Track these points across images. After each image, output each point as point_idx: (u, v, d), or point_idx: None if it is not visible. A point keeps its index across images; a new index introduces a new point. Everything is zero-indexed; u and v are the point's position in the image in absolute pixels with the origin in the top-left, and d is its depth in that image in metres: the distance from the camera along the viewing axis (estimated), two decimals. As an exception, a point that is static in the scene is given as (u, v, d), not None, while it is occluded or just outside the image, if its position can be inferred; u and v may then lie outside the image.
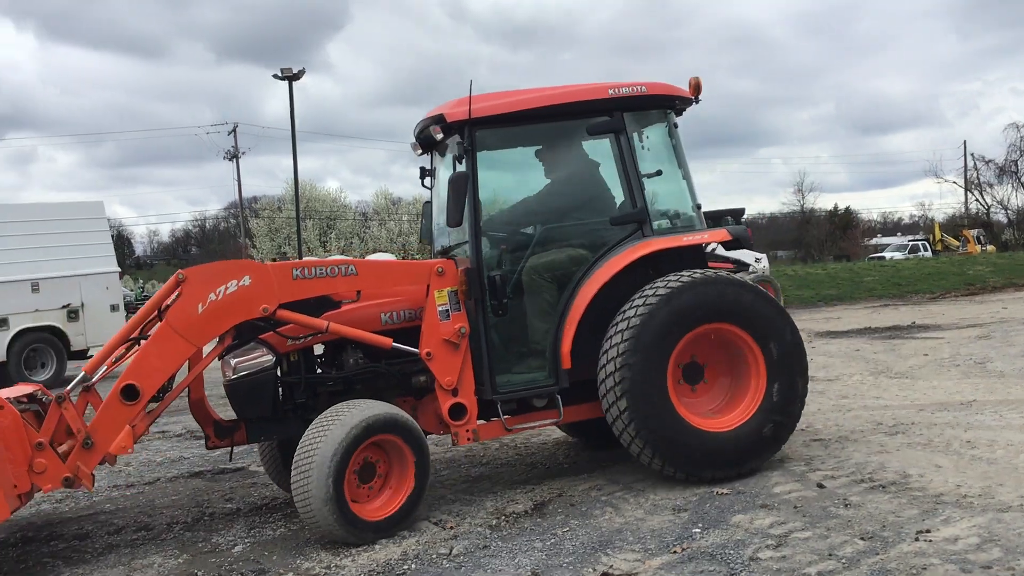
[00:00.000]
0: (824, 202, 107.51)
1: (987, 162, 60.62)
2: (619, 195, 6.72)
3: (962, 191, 65.07)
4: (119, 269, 18.57)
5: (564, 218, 6.71)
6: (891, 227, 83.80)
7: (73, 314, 17.43)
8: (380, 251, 54.90)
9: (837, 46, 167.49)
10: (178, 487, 7.70)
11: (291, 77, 39.94)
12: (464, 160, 6.34)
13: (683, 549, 5.01)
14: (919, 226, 77.92)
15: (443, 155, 7.18)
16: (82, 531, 6.50)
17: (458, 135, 6.40)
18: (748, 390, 6.35)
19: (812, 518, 5.37)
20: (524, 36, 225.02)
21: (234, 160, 58.97)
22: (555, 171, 6.91)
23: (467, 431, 6.21)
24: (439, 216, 7.23)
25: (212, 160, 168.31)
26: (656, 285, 6.21)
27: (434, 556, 5.26)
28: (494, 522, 5.82)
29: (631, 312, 6.12)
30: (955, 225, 62.86)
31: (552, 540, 5.37)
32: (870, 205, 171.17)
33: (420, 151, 7.28)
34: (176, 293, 5.75)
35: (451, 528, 5.78)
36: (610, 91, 6.54)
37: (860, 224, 75.64)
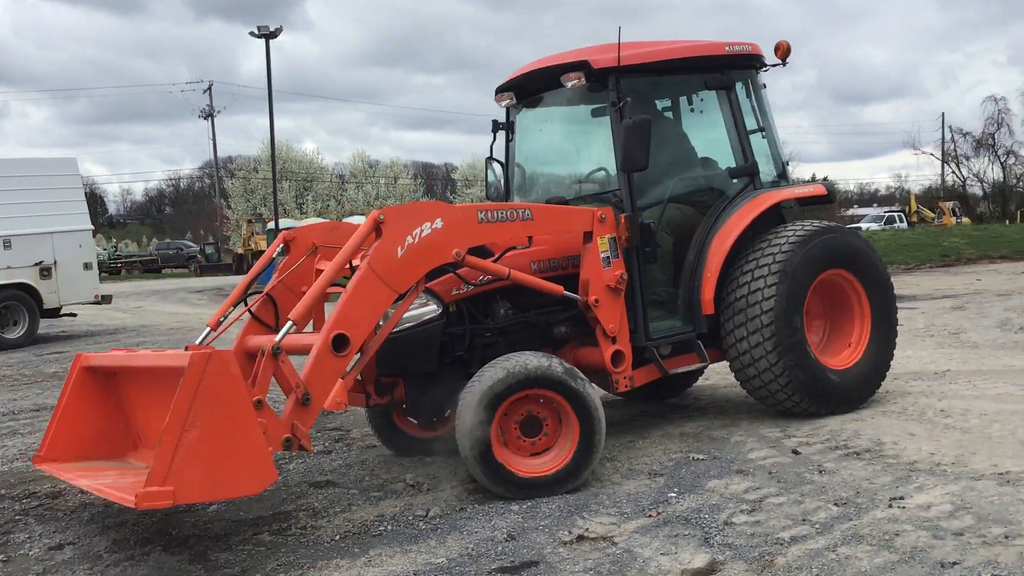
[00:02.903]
0: (803, 172, 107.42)
1: (964, 134, 60.82)
2: (706, 150, 7.21)
3: (939, 163, 65.53)
4: (92, 227, 18.32)
5: (693, 169, 7.16)
6: (867, 198, 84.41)
7: (46, 272, 17.18)
8: (356, 215, 54.43)
9: (820, 13, 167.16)
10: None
11: (268, 35, 39.29)
12: (621, 108, 6.30)
13: (658, 513, 5.04)
14: (895, 197, 78.45)
15: (532, 108, 7.39)
16: (55, 489, 6.45)
17: (597, 82, 6.48)
18: (852, 331, 7.06)
19: (786, 484, 5.41)
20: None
21: (209, 119, 58.44)
22: (675, 124, 7.26)
23: (625, 377, 6.30)
24: (518, 172, 7.55)
25: (187, 119, 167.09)
26: (786, 232, 6.75)
27: (410, 518, 5.26)
28: (471, 485, 5.82)
29: (767, 257, 6.59)
30: (931, 197, 63.32)
31: (528, 503, 5.37)
32: (848, 176, 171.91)
33: (512, 100, 7.30)
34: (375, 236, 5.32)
35: (427, 490, 5.78)
36: (726, 48, 6.98)
37: (837, 195, 75.92)
